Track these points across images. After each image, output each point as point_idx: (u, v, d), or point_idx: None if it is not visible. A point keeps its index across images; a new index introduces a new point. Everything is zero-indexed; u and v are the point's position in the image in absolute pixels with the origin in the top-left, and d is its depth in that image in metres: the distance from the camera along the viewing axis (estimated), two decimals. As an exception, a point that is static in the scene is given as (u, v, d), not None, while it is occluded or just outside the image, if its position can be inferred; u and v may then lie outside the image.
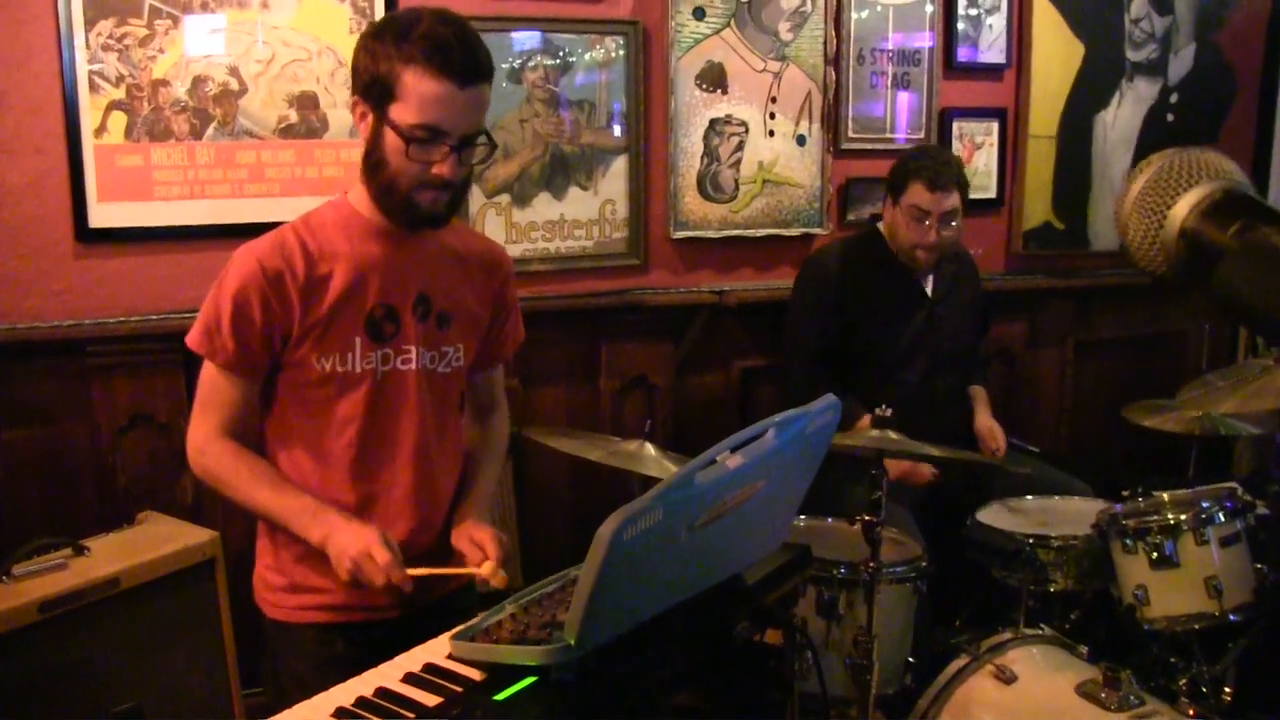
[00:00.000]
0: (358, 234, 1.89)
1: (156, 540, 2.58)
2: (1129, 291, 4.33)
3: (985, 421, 3.35)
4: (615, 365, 3.55)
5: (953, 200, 3.14)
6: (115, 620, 2.40)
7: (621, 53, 3.43)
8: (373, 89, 1.78)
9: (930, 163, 3.17)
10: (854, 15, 3.74)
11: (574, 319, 3.48)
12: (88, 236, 2.86)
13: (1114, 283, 4.28)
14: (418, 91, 1.74)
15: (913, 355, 3.27)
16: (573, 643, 1.32)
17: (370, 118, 1.80)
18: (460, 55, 1.76)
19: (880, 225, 3.33)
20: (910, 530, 2.85)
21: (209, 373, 1.89)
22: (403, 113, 1.75)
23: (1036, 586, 2.85)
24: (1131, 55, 4.33)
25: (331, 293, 1.84)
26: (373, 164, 1.82)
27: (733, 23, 3.57)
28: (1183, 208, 0.72)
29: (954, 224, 3.17)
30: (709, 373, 3.74)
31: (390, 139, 1.78)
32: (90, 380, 2.89)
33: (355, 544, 1.76)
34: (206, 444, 1.88)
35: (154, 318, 2.92)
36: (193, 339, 1.87)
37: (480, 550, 1.86)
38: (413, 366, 1.92)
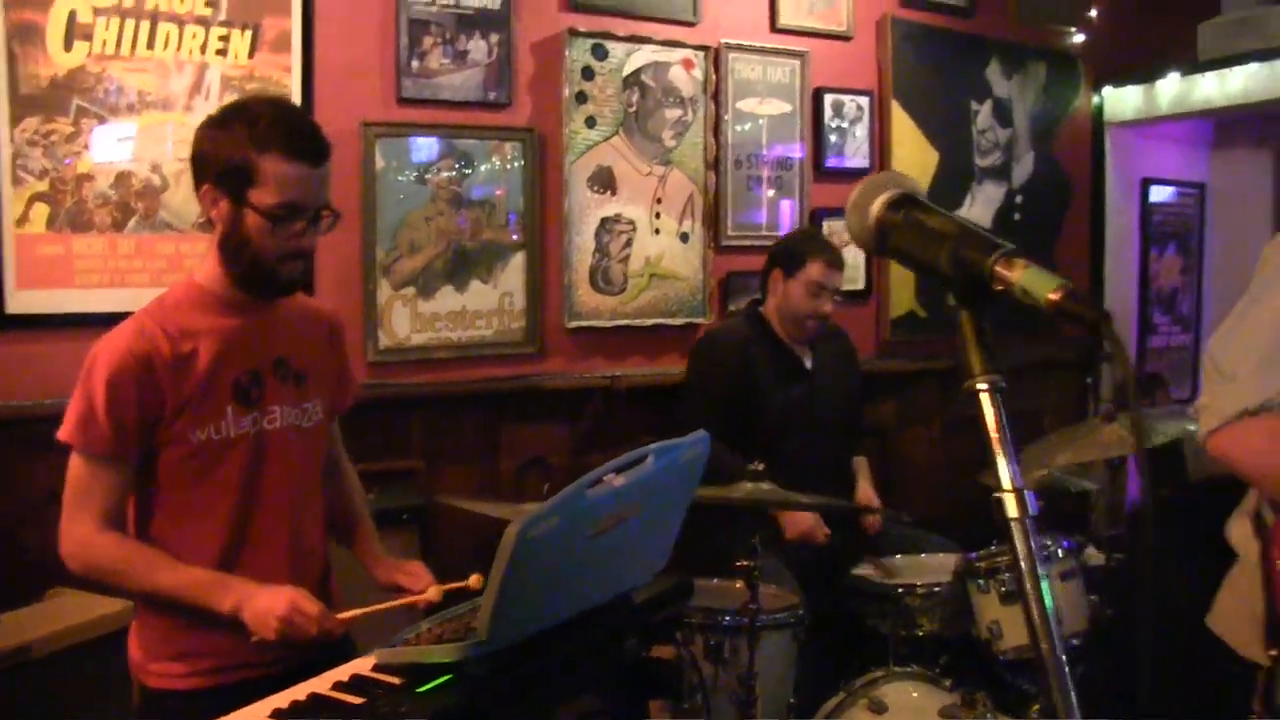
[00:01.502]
0: (213, 309, 2.00)
1: (67, 611, 2.61)
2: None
3: (866, 491, 3.63)
4: (514, 447, 3.76)
5: (842, 277, 3.53)
6: (25, 689, 2.41)
7: (519, 157, 3.71)
8: (227, 177, 1.90)
9: (825, 243, 3.57)
10: (732, 126, 4.10)
11: (475, 403, 3.69)
12: (6, 322, 2.97)
13: (974, 366, 4.63)
14: (276, 175, 1.89)
15: (795, 425, 3.53)
16: (484, 638, 1.48)
17: (224, 203, 1.92)
18: (311, 139, 1.94)
19: (761, 308, 3.62)
20: (788, 583, 3.08)
21: (83, 466, 1.92)
22: (263, 195, 1.89)
23: (906, 631, 3.10)
24: (979, 162, 4.80)
25: (199, 367, 1.94)
26: (234, 245, 1.94)
27: (621, 131, 3.88)
28: (877, 205, 1.07)
29: (838, 298, 3.52)
30: (603, 453, 3.95)
31: (252, 219, 1.91)
32: (8, 459, 2.98)
33: (279, 604, 1.85)
34: (90, 539, 1.91)
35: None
36: (66, 432, 1.91)
37: (417, 578, 2.02)
38: (278, 425, 2.04)
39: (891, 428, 4.52)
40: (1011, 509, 0.99)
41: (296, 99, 3.26)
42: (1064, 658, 0.99)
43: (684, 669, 2.44)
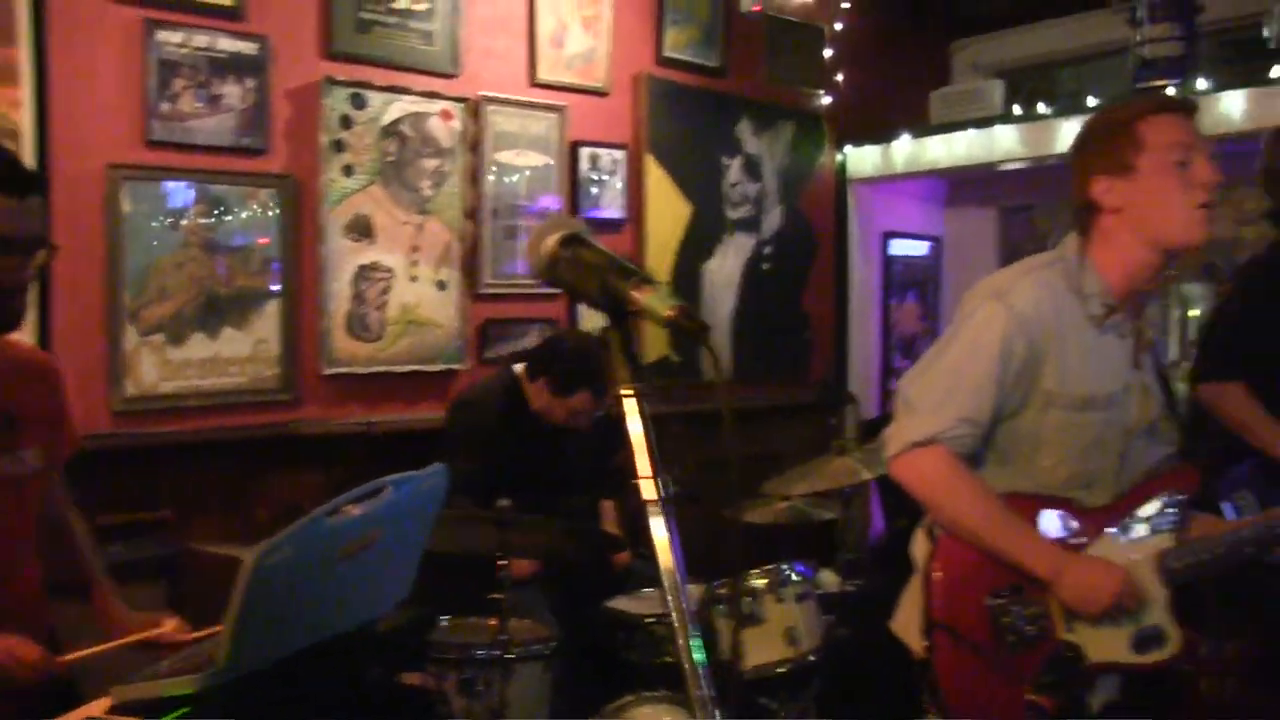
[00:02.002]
0: None
1: None
2: (739, 416, 5.12)
3: (613, 528, 3.93)
4: (269, 495, 3.87)
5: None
6: None
7: (275, 204, 3.86)
8: None
9: (598, 372, 3.70)
10: (489, 177, 4.37)
11: (228, 452, 3.79)
12: None
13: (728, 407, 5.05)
14: None
15: (547, 484, 3.77)
16: (222, 667, 1.55)
17: None
18: (9, 169, 1.98)
19: (516, 371, 3.83)
20: (541, 616, 3.33)
21: None
22: None
23: (657, 659, 3.40)
24: (731, 214, 5.25)
25: None
26: None
27: (379, 179, 4.08)
28: (550, 241, 1.34)
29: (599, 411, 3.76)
30: (362, 500, 4.11)
31: None
32: None
33: None
34: None
35: None
36: None
37: (153, 620, 2.13)
38: None
39: (693, 481, 4.85)
40: (649, 493, 1.26)
41: (29, 137, 3.31)
42: (691, 629, 1.29)
43: (435, 704, 2.66)
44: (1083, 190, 2.23)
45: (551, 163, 4.57)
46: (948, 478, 2.17)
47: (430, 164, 4.21)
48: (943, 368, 2.22)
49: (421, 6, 4.16)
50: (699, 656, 1.27)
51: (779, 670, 3.28)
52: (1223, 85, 4.61)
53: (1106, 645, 2.15)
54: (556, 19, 4.57)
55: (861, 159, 5.89)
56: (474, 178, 4.33)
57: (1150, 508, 2.23)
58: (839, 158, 5.87)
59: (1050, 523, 2.21)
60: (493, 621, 2.95)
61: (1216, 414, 3.13)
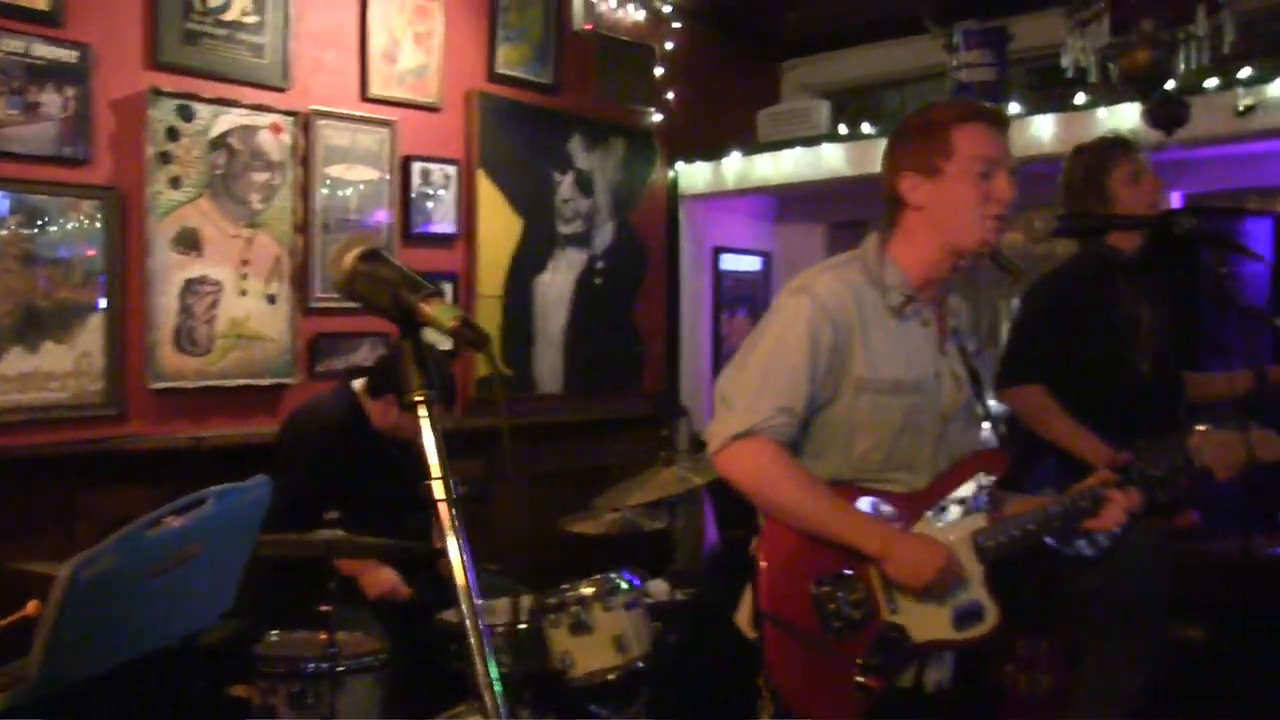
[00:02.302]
0: None
1: None
2: (573, 428, 5.35)
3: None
4: (94, 512, 3.89)
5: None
6: None
7: (98, 216, 3.90)
8: None
9: (445, 375, 3.91)
10: (320, 191, 4.48)
11: (50, 469, 3.81)
12: None
13: (559, 421, 5.29)
14: None
15: (383, 498, 3.91)
16: (36, 681, 1.62)
17: None
18: None
19: (355, 386, 3.95)
20: (372, 629, 3.47)
21: None
22: None
23: (487, 670, 3.57)
24: (563, 229, 5.47)
25: None
26: None
27: (207, 192, 4.16)
28: (350, 258, 1.50)
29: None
30: (189, 516, 4.18)
31: None
32: None
33: None
34: None
35: None
36: None
37: None
38: None
39: (479, 484, 5.03)
40: (439, 493, 1.44)
41: None
42: (484, 623, 1.42)
43: (262, 718, 2.76)
44: (891, 184, 2.40)
45: (383, 177, 4.71)
46: (770, 466, 2.28)
47: (260, 177, 4.31)
48: (756, 362, 2.34)
49: (251, 19, 4.26)
50: (494, 672, 1.39)
51: (609, 677, 3.49)
52: (1033, 110, 5.03)
53: (929, 624, 2.30)
54: (388, 34, 4.72)
55: (693, 175, 6.18)
56: (304, 191, 4.44)
57: (964, 489, 2.39)
58: (670, 174, 6.15)
59: (870, 508, 2.35)
60: (322, 634, 3.08)
61: (1019, 416, 3.46)
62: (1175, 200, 5.34)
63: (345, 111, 4.58)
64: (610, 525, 4.05)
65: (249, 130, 4.27)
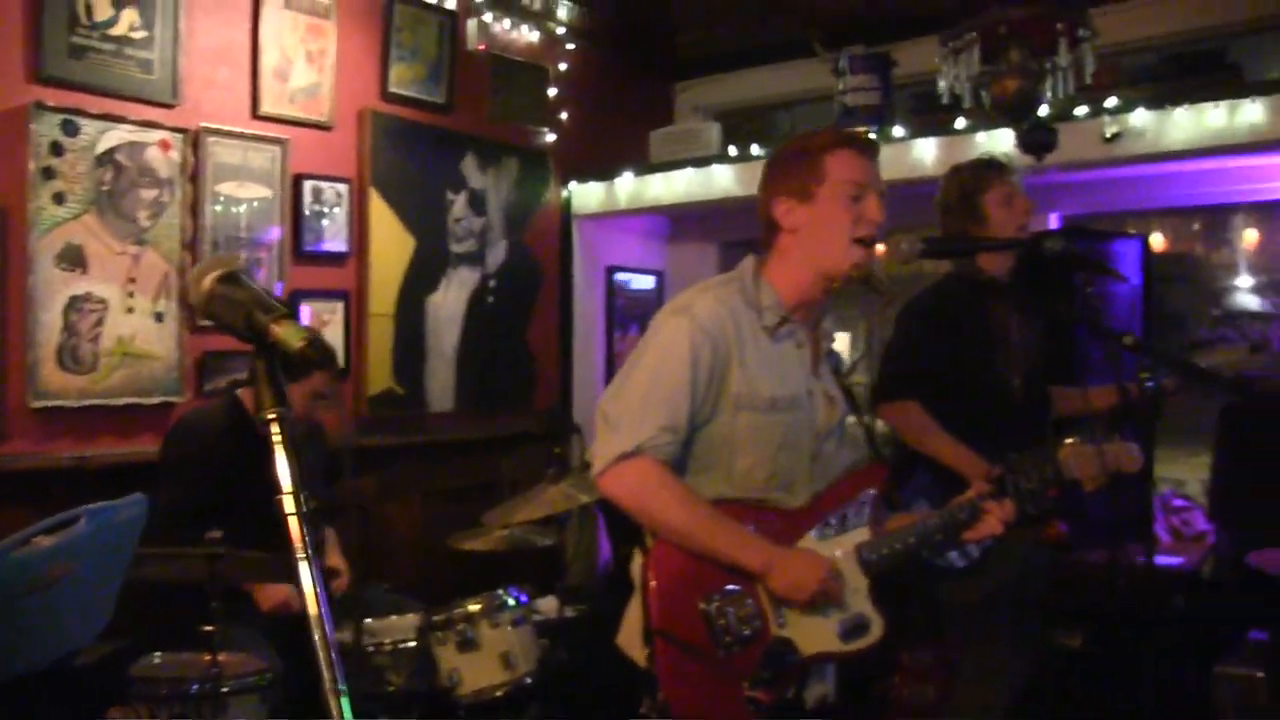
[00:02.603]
0: None
1: None
2: (466, 446, 5.40)
3: (334, 559, 4.11)
4: (-29, 534, 3.85)
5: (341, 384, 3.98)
6: None
7: (-23, 232, 3.86)
8: None
9: (327, 348, 3.94)
10: (210, 208, 4.48)
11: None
12: None
13: (452, 439, 5.34)
14: None
15: (271, 506, 3.93)
16: None
17: None
18: None
19: (240, 392, 3.99)
20: (260, 649, 3.47)
21: None
22: None
23: (378, 688, 3.61)
24: (455, 248, 5.52)
25: None
26: None
27: (93, 209, 4.12)
28: (208, 280, 1.55)
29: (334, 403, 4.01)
30: (72, 537, 4.14)
31: None
32: None
33: None
34: None
35: None
36: None
37: None
38: None
39: (373, 501, 5.05)
40: (289, 507, 1.48)
41: None
42: (333, 634, 1.44)
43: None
44: (767, 208, 2.49)
45: (274, 195, 4.71)
46: (655, 485, 2.33)
47: (148, 194, 4.29)
48: (638, 382, 2.39)
49: (139, 34, 4.24)
50: (341, 683, 1.42)
51: (496, 694, 3.56)
52: (915, 133, 5.23)
53: (817, 637, 2.37)
54: (281, 52, 4.74)
55: (586, 195, 6.28)
56: (194, 209, 4.43)
57: (845, 505, 2.48)
58: (564, 194, 6.24)
59: (754, 525, 2.40)
60: (206, 655, 3.07)
61: (896, 430, 3.59)
62: (1053, 222, 5.60)
63: (236, 129, 4.57)
64: (500, 542, 4.10)
65: (137, 146, 4.25)
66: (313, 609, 1.42)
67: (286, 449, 1.48)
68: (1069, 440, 2.61)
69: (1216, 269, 5.74)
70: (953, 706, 3.61)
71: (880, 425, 3.63)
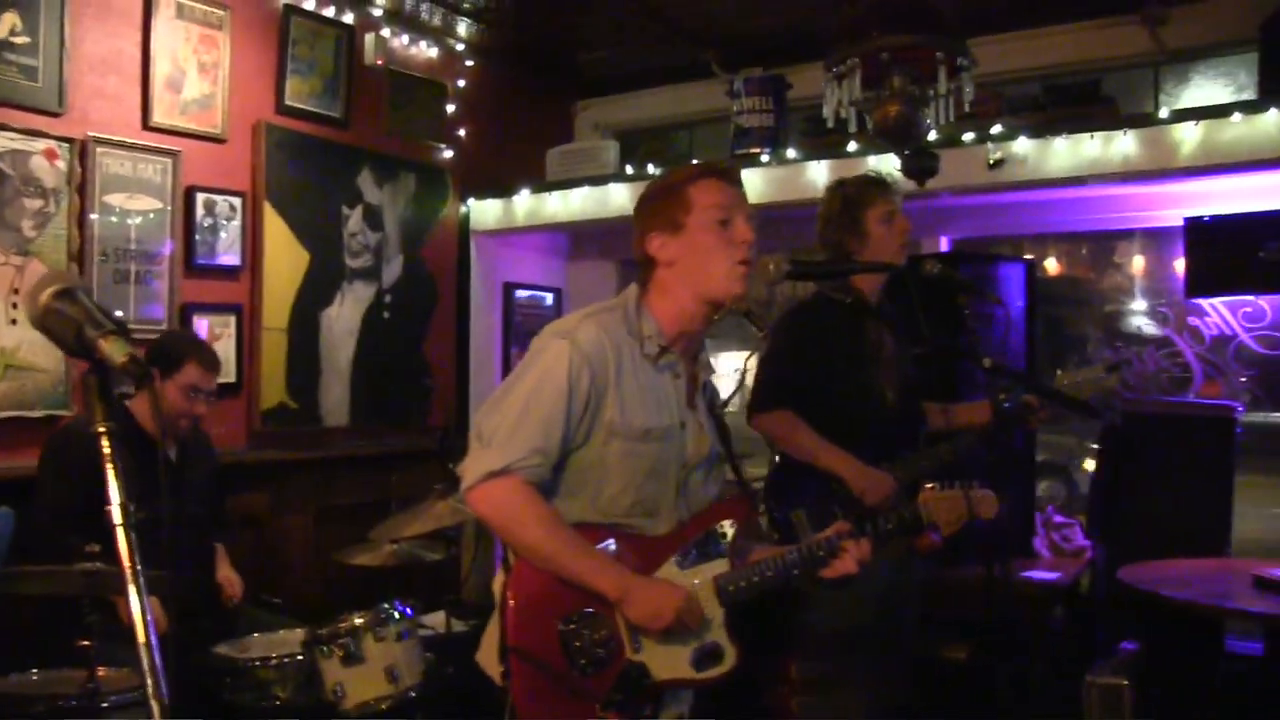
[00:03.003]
0: None
1: None
2: (360, 462, 5.39)
3: (225, 572, 4.09)
4: None
5: (216, 378, 3.94)
6: None
7: None
8: None
9: (202, 345, 3.95)
10: (97, 218, 4.43)
11: None
12: None
13: (346, 454, 5.33)
14: None
15: (161, 519, 3.90)
16: None
17: None
18: None
19: (128, 403, 3.95)
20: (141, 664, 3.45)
21: None
22: None
23: (266, 702, 3.59)
24: (351, 263, 5.52)
25: None
26: None
27: (-26, 218, 4.07)
28: (45, 295, 1.60)
29: (212, 398, 3.94)
30: (-51, 553, 4.06)
31: None
32: None
33: None
34: None
35: None
36: None
37: None
38: None
39: (265, 516, 5.03)
40: (117, 518, 1.56)
41: None
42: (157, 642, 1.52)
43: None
44: (641, 245, 2.53)
45: (165, 208, 4.67)
46: (522, 506, 2.36)
47: (33, 204, 4.23)
48: (514, 402, 2.39)
49: (21, 39, 4.18)
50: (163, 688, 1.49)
51: (381, 707, 3.56)
52: (808, 156, 5.37)
53: (670, 663, 2.40)
54: (173, 63, 4.70)
55: (484, 211, 6.31)
56: (81, 220, 4.38)
57: (707, 536, 2.51)
58: (462, 210, 6.27)
59: (615, 550, 2.43)
60: (84, 671, 3.03)
61: (771, 440, 3.65)
62: (944, 244, 5.77)
63: (126, 140, 4.53)
64: (389, 557, 4.11)
65: (20, 155, 4.18)
66: (138, 619, 1.50)
67: (113, 463, 1.57)
68: (929, 486, 2.69)
69: (1106, 292, 5.98)
70: (818, 715, 3.70)
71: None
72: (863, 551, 2.53)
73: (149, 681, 1.45)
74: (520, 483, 2.35)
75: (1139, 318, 5.71)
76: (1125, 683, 3.82)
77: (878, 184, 3.62)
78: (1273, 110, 4.31)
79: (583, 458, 2.44)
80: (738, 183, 2.57)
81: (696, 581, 2.46)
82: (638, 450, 2.44)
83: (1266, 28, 4.54)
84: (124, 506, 1.53)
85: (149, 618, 1.49)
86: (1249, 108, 4.38)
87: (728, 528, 2.53)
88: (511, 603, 2.37)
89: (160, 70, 4.66)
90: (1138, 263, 5.85)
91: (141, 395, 3.91)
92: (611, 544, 2.44)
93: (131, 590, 1.48)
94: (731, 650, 2.46)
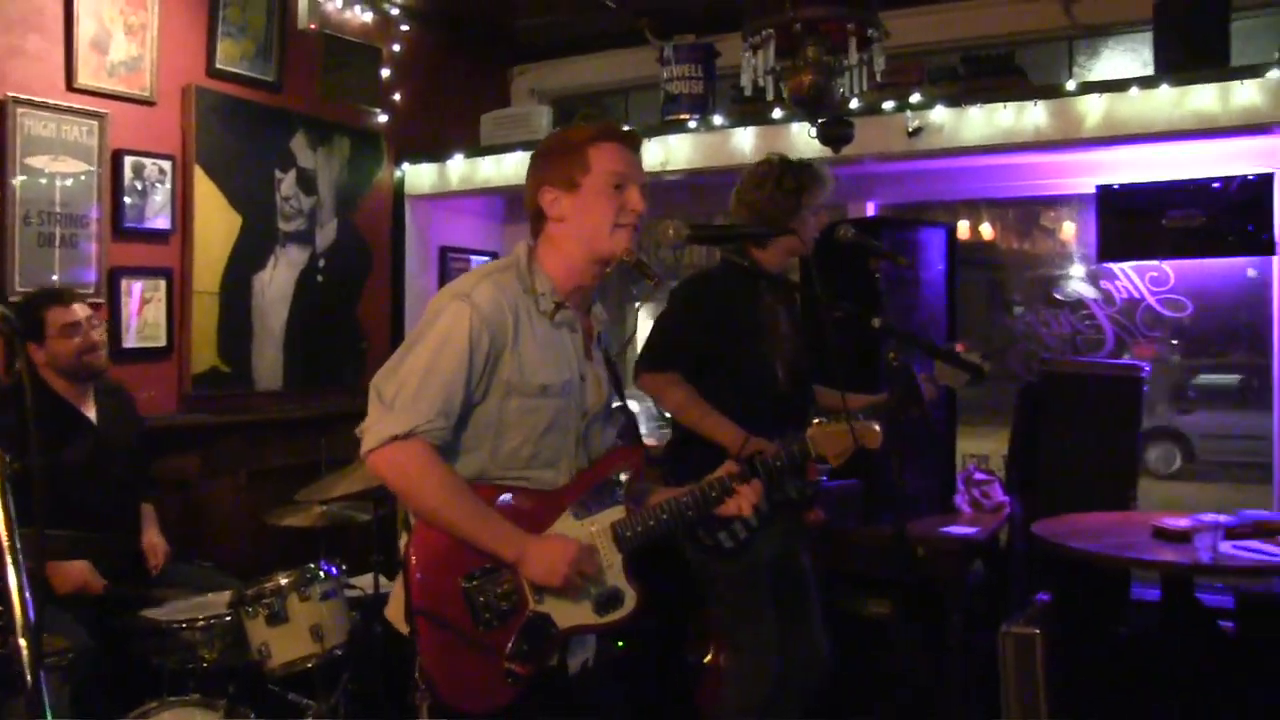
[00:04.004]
0: None
1: None
2: (293, 425, 5.35)
3: (150, 538, 4.05)
4: None
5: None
6: None
7: None
8: None
9: (49, 290, 3.96)
10: (18, 179, 4.31)
11: None
12: None
13: (279, 418, 5.29)
14: None
15: (84, 477, 3.84)
16: None
17: None
18: None
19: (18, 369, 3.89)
20: (66, 628, 3.39)
21: None
22: None
23: (192, 664, 3.57)
24: (284, 226, 5.44)
25: None
26: None
27: (-108, 180, 3.97)
28: None
29: (99, 338, 3.95)
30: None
31: None
32: None
33: None
34: None
35: None
36: None
37: None
38: None
39: (195, 479, 4.98)
40: None
41: None
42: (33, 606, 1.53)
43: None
44: (534, 198, 2.54)
45: (92, 170, 4.57)
46: (424, 470, 2.34)
47: (-49, 166, 4.14)
48: (415, 365, 2.37)
49: (-62, -2, 4.08)
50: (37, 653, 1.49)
51: (307, 666, 3.56)
52: (736, 123, 5.36)
53: (573, 611, 2.43)
54: (98, 23, 4.58)
55: (419, 176, 6.24)
56: (1, 183, 4.28)
57: (603, 484, 2.53)
58: (397, 174, 6.20)
59: (513, 504, 2.44)
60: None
61: (656, 401, 3.66)
62: (870, 209, 5.80)
63: (48, 101, 4.41)
64: (319, 518, 4.09)
65: (-62, 116, 4.09)
66: (14, 580, 1.54)
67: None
68: (816, 420, 2.73)
69: (1028, 256, 6.05)
70: (725, 676, 3.77)
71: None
72: (755, 491, 2.58)
73: (24, 647, 1.40)
74: (424, 446, 2.34)
75: (1058, 281, 5.78)
76: (1037, 632, 3.92)
77: (820, 176, 3.64)
78: (1164, 86, 4.38)
79: (482, 413, 2.44)
80: (637, 149, 2.57)
81: (594, 529, 2.49)
82: (536, 405, 2.45)
83: (1160, 9, 4.59)
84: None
85: (22, 579, 1.53)
86: (1145, 83, 4.44)
87: (622, 474, 2.55)
88: (414, 563, 2.37)
89: (85, 30, 4.54)
90: (1063, 228, 5.91)
91: (39, 353, 3.86)
92: (509, 497, 2.44)
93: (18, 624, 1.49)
94: (631, 593, 2.49)
